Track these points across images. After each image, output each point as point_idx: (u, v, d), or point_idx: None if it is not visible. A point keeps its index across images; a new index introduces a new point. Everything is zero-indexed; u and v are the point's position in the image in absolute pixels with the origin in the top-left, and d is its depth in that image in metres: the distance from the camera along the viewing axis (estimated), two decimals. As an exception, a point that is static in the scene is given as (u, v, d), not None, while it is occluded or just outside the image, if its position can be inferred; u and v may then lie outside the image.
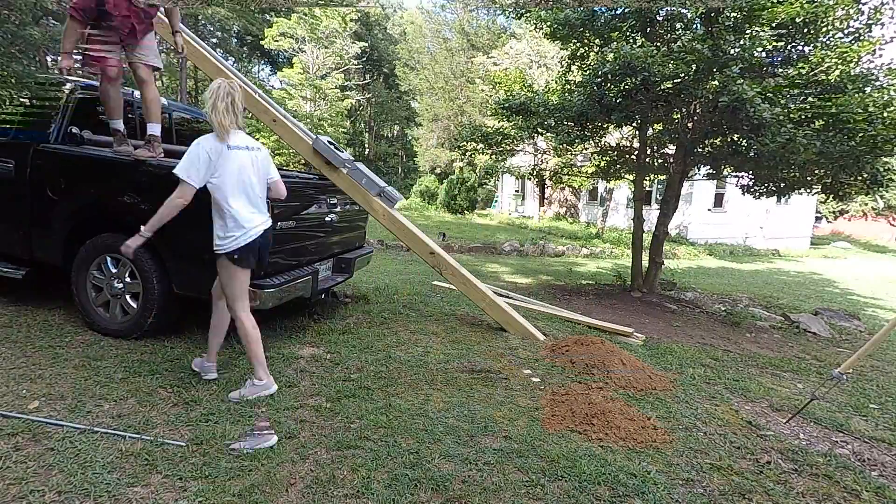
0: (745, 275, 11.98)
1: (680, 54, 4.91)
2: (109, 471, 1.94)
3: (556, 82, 7.29)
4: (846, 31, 5.32)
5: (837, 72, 4.88)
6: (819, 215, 27.41)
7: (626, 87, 5.51)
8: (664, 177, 7.76)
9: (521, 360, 3.58)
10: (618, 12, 5.95)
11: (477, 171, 23.99)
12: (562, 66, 7.26)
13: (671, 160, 6.87)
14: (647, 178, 8.55)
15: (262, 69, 33.86)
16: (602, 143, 7.45)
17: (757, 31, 4.83)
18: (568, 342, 4.12)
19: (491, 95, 16.37)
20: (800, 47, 5.52)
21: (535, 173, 9.05)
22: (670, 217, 6.97)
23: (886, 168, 5.33)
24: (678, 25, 5.85)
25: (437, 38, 28.56)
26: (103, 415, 2.35)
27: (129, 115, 4.19)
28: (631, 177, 7.99)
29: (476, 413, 2.70)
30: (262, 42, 23.28)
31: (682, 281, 8.87)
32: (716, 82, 4.90)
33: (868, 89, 4.98)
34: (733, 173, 7.01)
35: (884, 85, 4.97)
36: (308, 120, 21.95)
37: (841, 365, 2.98)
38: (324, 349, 3.46)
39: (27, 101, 3.75)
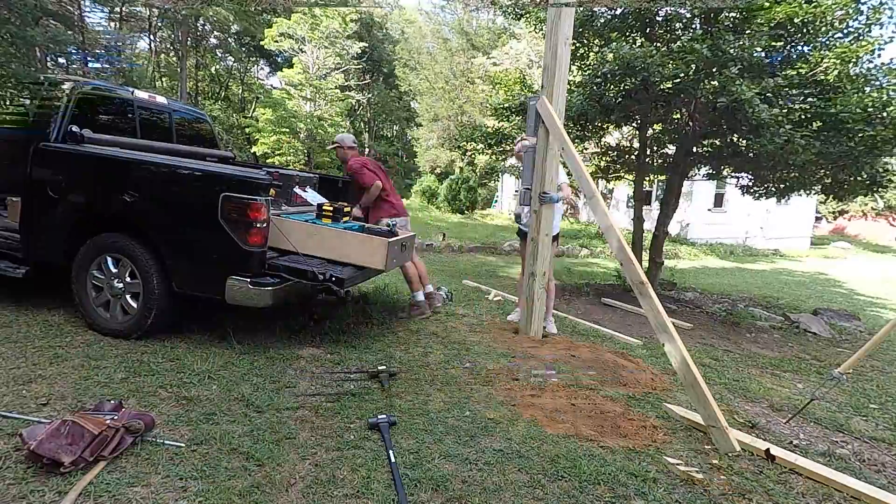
0: (747, 275, 11.98)
1: (679, 54, 4.91)
2: (109, 471, 1.94)
3: None
4: (845, 32, 5.32)
5: (836, 72, 4.88)
6: (819, 215, 27.39)
7: (626, 87, 5.51)
8: (664, 177, 7.76)
9: (522, 361, 3.57)
10: (617, 12, 5.95)
11: (477, 171, 23.99)
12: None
13: (671, 160, 6.86)
14: (647, 178, 8.55)
15: (262, 69, 33.83)
16: (602, 143, 7.45)
17: (755, 31, 4.83)
18: (568, 342, 4.12)
19: (491, 96, 16.37)
20: (799, 47, 5.52)
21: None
22: (670, 217, 6.97)
23: (885, 168, 5.33)
24: (677, 26, 5.85)
25: (436, 38, 28.53)
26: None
27: (129, 115, 4.20)
28: (631, 177, 7.98)
29: (476, 413, 2.71)
30: (262, 42, 23.28)
31: (682, 281, 8.87)
32: (715, 82, 4.89)
33: (867, 89, 4.98)
34: (733, 174, 7.01)
35: (883, 85, 4.97)
36: (308, 120, 21.95)
37: (841, 365, 2.98)
38: (324, 349, 3.46)
39: (27, 100, 3.76)
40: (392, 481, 2.02)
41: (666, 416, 2.88)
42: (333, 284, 3.13)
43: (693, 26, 5.75)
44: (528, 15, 6.64)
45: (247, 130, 24.83)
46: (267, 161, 20.95)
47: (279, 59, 28.52)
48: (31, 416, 2.25)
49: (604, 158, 7.59)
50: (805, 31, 5.16)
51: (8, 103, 4.01)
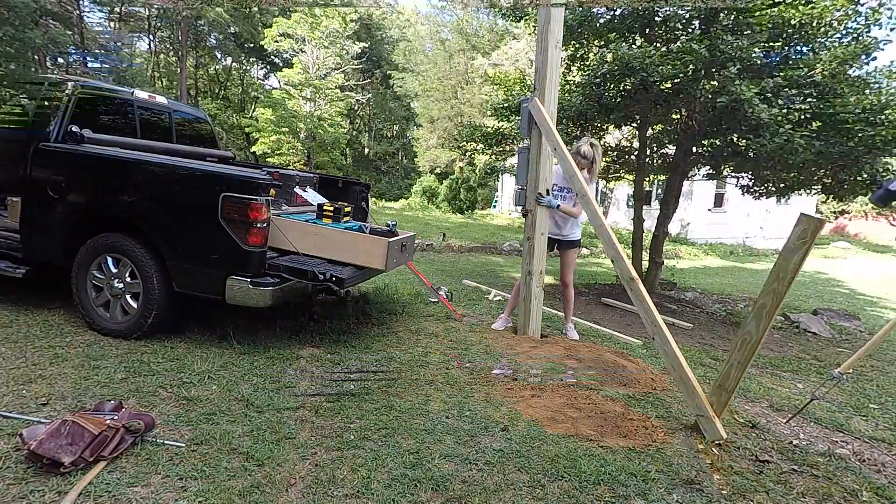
0: (747, 274, 11.98)
1: (678, 55, 4.91)
2: (109, 471, 1.94)
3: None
4: (844, 33, 5.32)
5: (834, 73, 4.87)
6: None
7: (625, 87, 5.51)
8: (664, 177, 7.77)
9: (522, 360, 3.57)
10: (617, 13, 5.95)
11: (477, 171, 24.00)
12: (561, 67, 7.26)
13: (671, 160, 6.87)
14: (647, 179, 8.55)
15: (261, 70, 33.84)
16: (602, 143, 7.45)
17: (754, 32, 4.82)
18: (568, 342, 4.13)
19: (491, 96, 16.38)
20: (798, 48, 5.52)
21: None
22: (670, 217, 6.97)
23: (886, 168, 5.33)
24: (677, 26, 5.85)
25: (435, 39, 28.54)
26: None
27: (129, 115, 4.20)
28: (631, 177, 7.98)
29: (476, 413, 2.71)
30: (262, 43, 23.30)
31: (682, 281, 8.87)
32: (714, 82, 4.89)
33: (866, 91, 4.98)
34: (733, 174, 7.01)
35: (882, 86, 4.97)
36: (308, 120, 21.95)
37: (841, 365, 2.98)
38: (324, 349, 3.46)
39: (27, 100, 3.76)
40: (392, 481, 2.02)
41: (666, 416, 2.88)
42: (333, 284, 3.13)
43: (692, 27, 5.75)
44: (527, 16, 6.64)
45: (247, 130, 24.86)
46: (267, 161, 20.97)
47: (278, 60, 28.56)
48: (31, 416, 2.25)
49: (604, 158, 7.58)
50: (803, 32, 5.16)
51: (8, 103, 4.01)
